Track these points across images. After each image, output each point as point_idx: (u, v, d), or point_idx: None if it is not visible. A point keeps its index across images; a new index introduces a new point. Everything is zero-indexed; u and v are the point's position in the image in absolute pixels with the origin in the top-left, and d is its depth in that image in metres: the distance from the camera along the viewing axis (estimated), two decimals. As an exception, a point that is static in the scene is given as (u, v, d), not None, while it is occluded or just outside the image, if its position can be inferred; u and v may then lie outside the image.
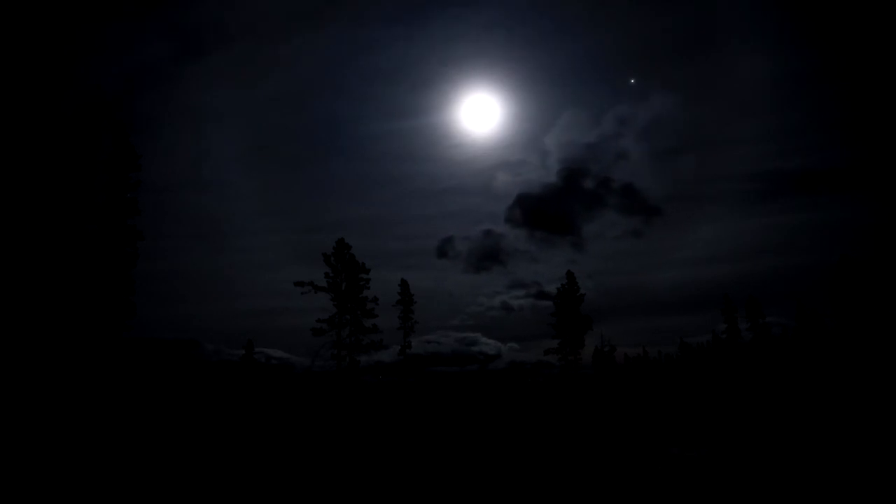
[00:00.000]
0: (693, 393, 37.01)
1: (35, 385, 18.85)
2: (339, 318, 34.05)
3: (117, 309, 23.47)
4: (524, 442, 18.47)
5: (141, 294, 23.76)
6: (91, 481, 11.40)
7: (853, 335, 44.49)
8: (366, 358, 35.28)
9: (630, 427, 22.57)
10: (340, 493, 11.13)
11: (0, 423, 15.57)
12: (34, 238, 21.84)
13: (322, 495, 10.97)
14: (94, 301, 22.87)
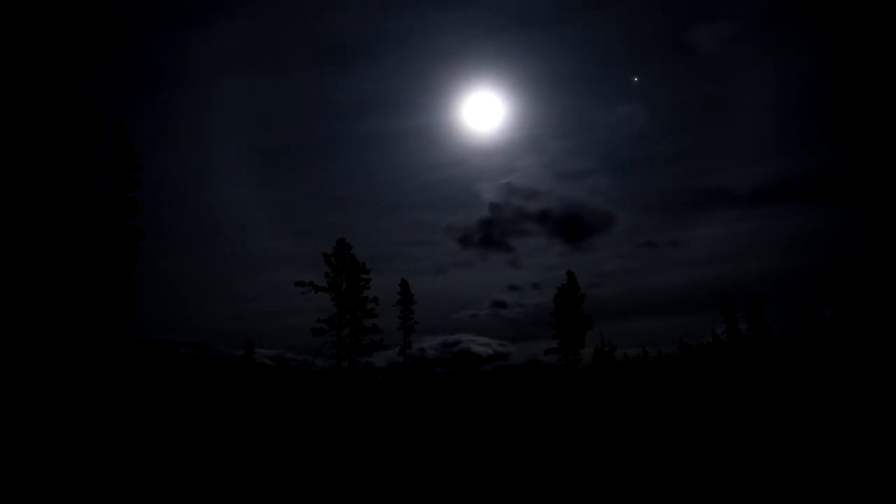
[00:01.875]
0: (693, 393, 37.00)
1: (36, 384, 18.84)
2: (339, 318, 34.02)
3: (117, 309, 23.48)
4: (524, 442, 18.47)
5: (146, 295, 23.80)
6: (92, 480, 11.40)
7: (853, 335, 44.49)
8: (365, 358, 35.26)
9: (630, 427, 22.57)
10: (341, 491, 11.14)
11: (2, 423, 15.58)
12: (34, 238, 21.84)
13: (323, 494, 10.97)
14: (94, 301, 22.87)
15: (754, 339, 53.44)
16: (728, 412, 26.07)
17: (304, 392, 35.36)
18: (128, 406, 21.21)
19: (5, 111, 22.69)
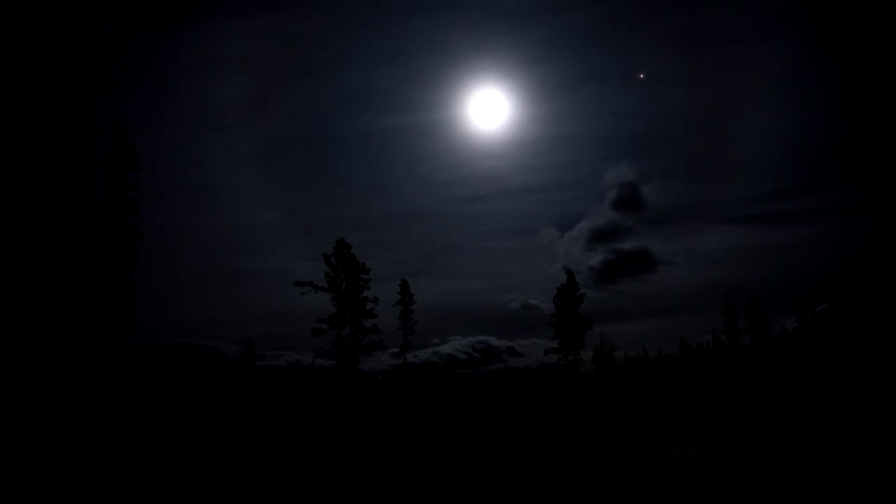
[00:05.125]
0: (693, 393, 36.99)
1: (36, 385, 18.84)
2: (339, 318, 34.00)
3: (117, 309, 23.48)
4: (524, 441, 18.47)
5: (146, 296, 23.83)
6: (92, 480, 11.39)
7: (852, 335, 44.51)
8: (365, 358, 35.25)
9: (630, 427, 22.56)
10: (342, 491, 11.13)
11: (2, 423, 15.57)
12: (34, 239, 21.84)
13: (324, 494, 10.97)
14: (94, 301, 22.87)
15: (754, 340, 53.52)
16: (728, 412, 26.06)
17: (304, 392, 35.34)
18: (128, 406, 21.19)
19: (3, 113, 22.69)
